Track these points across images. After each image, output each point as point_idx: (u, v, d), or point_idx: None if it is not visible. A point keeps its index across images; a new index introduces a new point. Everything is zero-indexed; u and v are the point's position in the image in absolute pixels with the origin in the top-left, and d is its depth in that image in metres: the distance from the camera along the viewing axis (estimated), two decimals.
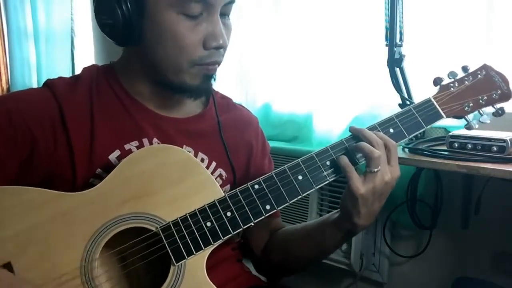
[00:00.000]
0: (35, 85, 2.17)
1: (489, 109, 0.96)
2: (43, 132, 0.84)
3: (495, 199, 1.39)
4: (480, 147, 1.11)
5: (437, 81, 0.96)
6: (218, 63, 0.88)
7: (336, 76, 1.62)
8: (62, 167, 0.85)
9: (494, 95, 0.95)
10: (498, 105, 0.96)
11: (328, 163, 0.86)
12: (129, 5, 0.81)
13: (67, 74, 2.20)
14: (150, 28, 0.83)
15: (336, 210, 0.91)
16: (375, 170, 0.81)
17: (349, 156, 0.85)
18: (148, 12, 0.82)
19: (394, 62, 1.36)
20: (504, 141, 1.08)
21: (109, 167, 0.84)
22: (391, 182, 0.83)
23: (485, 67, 0.97)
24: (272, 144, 1.58)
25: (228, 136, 0.99)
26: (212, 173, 0.94)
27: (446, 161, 1.10)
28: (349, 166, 0.83)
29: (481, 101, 0.95)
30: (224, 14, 0.86)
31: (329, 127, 1.62)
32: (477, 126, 0.96)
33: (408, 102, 1.36)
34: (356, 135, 0.87)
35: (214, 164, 0.96)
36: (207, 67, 0.86)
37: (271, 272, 1.06)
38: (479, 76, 0.96)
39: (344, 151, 0.87)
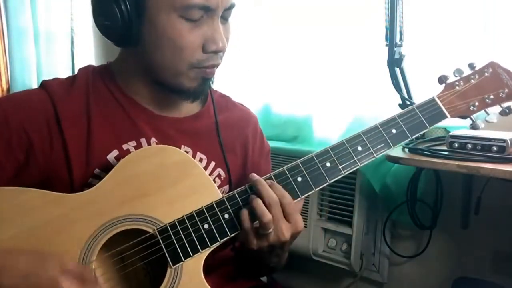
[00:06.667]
0: (35, 85, 2.17)
1: (496, 108, 0.93)
2: (39, 134, 0.84)
3: (495, 199, 1.38)
4: (480, 147, 1.11)
5: (442, 79, 0.93)
6: (216, 66, 0.88)
7: (336, 76, 1.62)
8: (58, 168, 0.84)
9: (501, 93, 0.91)
10: (505, 104, 0.92)
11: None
12: (128, 7, 0.81)
13: (67, 74, 2.19)
14: (149, 30, 0.83)
15: None
16: (267, 232, 0.79)
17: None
18: (148, 14, 0.81)
19: (394, 62, 1.35)
20: (504, 141, 1.08)
21: (107, 167, 0.84)
22: (290, 238, 0.82)
23: (492, 64, 0.93)
24: (272, 144, 1.58)
25: (226, 135, 0.98)
26: (210, 173, 0.94)
27: (446, 161, 1.09)
28: (245, 223, 0.80)
29: (487, 100, 0.92)
30: (225, 17, 0.86)
31: (329, 128, 1.62)
32: (483, 125, 0.93)
33: (408, 102, 1.36)
34: (253, 189, 0.82)
35: (213, 164, 0.96)
36: (205, 70, 0.86)
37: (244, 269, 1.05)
38: (486, 74, 0.93)
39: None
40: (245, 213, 0.80)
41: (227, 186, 0.98)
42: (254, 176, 0.83)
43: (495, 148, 1.09)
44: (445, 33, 1.39)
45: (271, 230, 0.79)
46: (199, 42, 0.83)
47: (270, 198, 0.80)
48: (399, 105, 1.38)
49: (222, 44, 0.84)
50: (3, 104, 0.87)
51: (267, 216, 0.78)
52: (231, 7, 0.85)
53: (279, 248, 0.84)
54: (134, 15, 0.81)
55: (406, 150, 1.22)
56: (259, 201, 0.79)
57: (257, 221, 0.80)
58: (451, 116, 0.91)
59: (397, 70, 1.37)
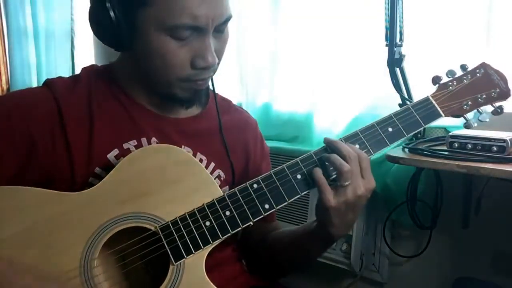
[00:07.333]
0: (35, 85, 2.17)
1: (488, 108, 0.96)
2: (42, 132, 0.84)
3: (495, 199, 1.39)
4: (480, 147, 1.11)
5: (435, 80, 0.96)
6: (207, 79, 0.89)
7: (336, 76, 1.61)
8: (61, 167, 0.84)
9: (493, 93, 0.94)
10: (497, 104, 0.95)
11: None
12: (120, 20, 0.80)
13: (67, 74, 2.19)
14: (140, 44, 0.83)
15: (314, 219, 0.90)
16: (346, 184, 0.80)
17: (323, 168, 0.84)
18: (139, 30, 0.81)
19: (394, 62, 1.36)
20: (504, 141, 1.08)
21: (108, 166, 0.84)
22: (365, 194, 0.83)
23: (483, 65, 0.96)
24: (272, 144, 1.58)
25: (227, 137, 0.99)
26: (210, 174, 0.94)
27: (446, 161, 1.10)
28: (321, 179, 0.82)
29: (480, 99, 0.94)
30: (219, 31, 0.85)
31: (329, 127, 1.62)
32: (476, 124, 0.95)
33: (408, 102, 1.36)
34: (329, 147, 0.86)
35: (213, 164, 0.96)
36: (196, 83, 0.87)
37: (262, 271, 1.06)
38: (478, 74, 0.96)
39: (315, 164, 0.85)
40: (318, 170, 0.83)
41: (227, 187, 0.98)
42: (329, 138, 0.86)
43: (495, 148, 1.09)
44: (445, 33, 1.39)
45: (349, 182, 0.80)
46: (187, 59, 0.83)
47: (349, 152, 0.82)
48: (399, 105, 1.38)
49: (211, 60, 0.83)
50: (7, 101, 0.88)
51: (346, 166, 0.80)
52: (226, 21, 0.84)
53: (356, 207, 0.84)
54: (125, 25, 0.81)
55: (406, 150, 1.23)
56: (336, 156, 0.82)
57: (333, 176, 0.82)
58: (445, 115, 0.93)
59: (397, 70, 1.38)
